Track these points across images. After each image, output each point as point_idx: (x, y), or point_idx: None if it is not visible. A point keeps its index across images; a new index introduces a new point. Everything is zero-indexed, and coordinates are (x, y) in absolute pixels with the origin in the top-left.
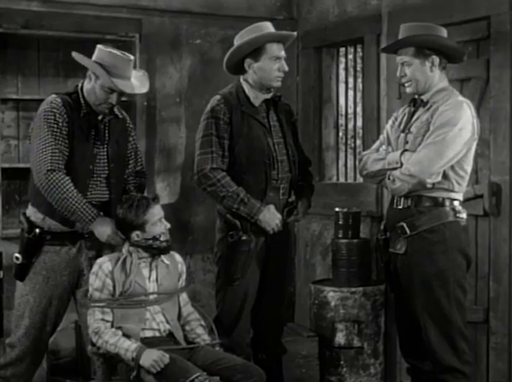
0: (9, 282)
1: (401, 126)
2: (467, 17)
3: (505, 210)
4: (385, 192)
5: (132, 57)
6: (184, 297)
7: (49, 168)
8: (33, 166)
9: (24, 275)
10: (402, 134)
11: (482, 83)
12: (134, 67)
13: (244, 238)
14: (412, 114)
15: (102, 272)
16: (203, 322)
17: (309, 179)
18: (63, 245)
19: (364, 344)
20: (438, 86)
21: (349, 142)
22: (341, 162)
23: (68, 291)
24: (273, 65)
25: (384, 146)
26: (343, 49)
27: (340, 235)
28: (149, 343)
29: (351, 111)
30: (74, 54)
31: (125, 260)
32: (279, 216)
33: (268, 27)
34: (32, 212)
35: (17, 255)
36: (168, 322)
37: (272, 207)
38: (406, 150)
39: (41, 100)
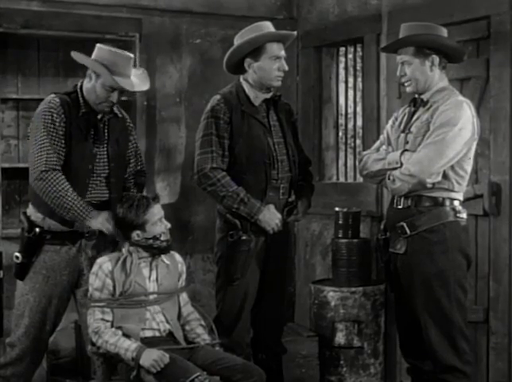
0: (9, 281)
1: (401, 126)
2: (467, 16)
3: (505, 210)
4: (385, 192)
5: (132, 55)
6: (184, 297)
7: (43, 168)
8: (30, 167)
9: (24, 274)
10: (402, 134)
11: (482, 83)
12: (134, 65)
13: (244, 238)
14: (412, 114)
15: (102, 272)
16: (203, 322)
17: (309, 179)
18: (63, 244)
19: (364, 344)
20: (438, 85)
21: (349, 141)
22: (341, 162)
23: (68, 291)
24: (273, 65)
25: (384, 146)
26: (343, 49)
27: (340, 235)
28: (149, 343)
29: (350, 110)
30: (73, 54)
31: (125, 260)
32: (279, 215)
33: (268, 27)
34: (32, 211)
35: (17, 254)
36: (168, 322)
37: (272, 207)
38: (406, 150)
39: (41, 100)
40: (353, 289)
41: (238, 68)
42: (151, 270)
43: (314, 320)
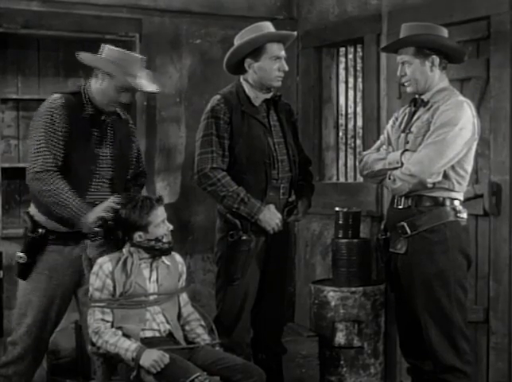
0: (9, 282)
1: (402, 126)
2: (467, 17)
3: (505, 210)
4: (385, 191)
5: (142, 57)
6: (184, 297)
7: (38, 169)
8: (27, 169)
9: (27, 274)
10: (403, 134)
11: (482, 83)
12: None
13: (244, 238)
14: (412, 114)
15: (102, 272)
16: (203, 322)
17: (309, 179)
18: (66, 245)
19: (364, 344)
20: (438, 86)
21: (349, 141)
22: (341, 162)
23: (70, 290)
24: (273, 65)
25: (384, 146)
26: (343, 49)
27: (340, 235)
28: (149, 343)
29: (351, 110)
30: (81, 55)
31: (125, 261)
32: (279, 215)
33: (268, 27)
34: (35, 211)
35: (21, 254)
36: (168, 322)
37: (272, 206)
38: (407, 150)
39: (41, 100)
40: (353, 289)
41: (238, 68)
42: (151, 270)
43: (314, 320)
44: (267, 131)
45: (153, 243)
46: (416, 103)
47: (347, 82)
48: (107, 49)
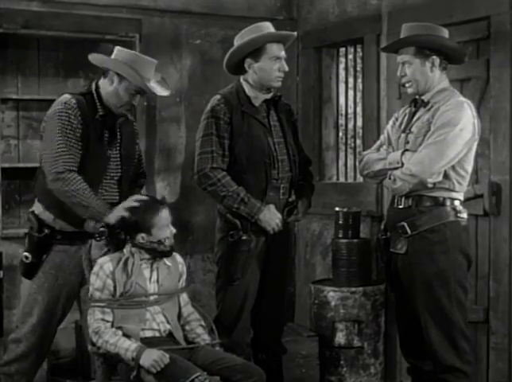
0: (9, 281)
1: (402, 127)
2: (467, 17)
3: (505, 210)
4: (385, 191)
5: (155, 61)
6: (184, 297)
7: (60, 170)
8: (46, 169)
9: (33, 274)
10: (403, 134)
11: (482, 83)
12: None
13: (244, 238)
14: (413, 115)
15: (103, 272)
16: (203, 322)
17: (309, 179)
18: (72, 244)
19: (364, 344)
20: (439, 86)
21: (349, 141)
22: (341, 162)
23: (76, 290)
24: (273, 65)
25: (384, 146)
26: (343, 49)
27: (340, 235)
28: (149, 343)
29: (351, 110)
30: (92, 56)
31: (126, 261)
32: (279, 215)
33: (268, 27)
34: (41, 210)
35: (27, 254)
36: (168, 322)
37: (272, 206)
38: (407, 150)
39: (41, 100)
40: (353, 289)
41: (238, 68)
42: (152, 271)
43: (314, 320)
44: (267, 131)
45: (155, 245)
46: (417, 103)
47: (347, 82)
48: (119, 51)
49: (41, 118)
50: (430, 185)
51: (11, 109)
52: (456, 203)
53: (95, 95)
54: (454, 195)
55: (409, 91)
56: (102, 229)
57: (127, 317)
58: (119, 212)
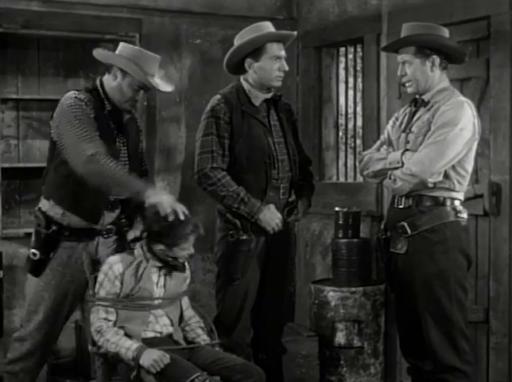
0: (9, 281)
1: (402, 126)
2: (467, 16)
3: (505, 210)
4: (385, 191)
5: (159, 56)
6: (185, 300)
7: (91, 152)
8: (74, 155)
9: (40, 271)
10: (403, 134)
11: (482, 83)
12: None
13: (244, 237)
14: (413, 114)
15: (112, 273)
16: (202, 324)
17: (309, 178)
18: (80, 241)
19: (364, 344)
20: (439, 86)
21: (349, 141)
22: (341, 162)
23: (83, 287)
24: (273, 65)
25: (385, 146)
26: (343, 49)
27: (340, 235)
28: (149, 343)
29: (350, 110)
30: (96, 51)
31: (138, 265)
32: (279, 215)
33: (268, 27)
34: (49, 207)
35: (34, 250)
36: (172, 325)
37: (272, 206)
38: (407, 150)
39: (41, 100)
40: (353, 289)
41: (238, 68)
42: (160, 276)
43: (314, 320)
44: (267, 131)
45: (170, 259)
46: (417, 103)
47: (347, 82)
48: (123, 47)
49: (41, 118)
50: (430, 185)
51: (11, 109)
52: (456, 203)
53: (100, 91)
54: (454, 195)
55: (409, 90)
56: (109, 226)
57: (130, 318)
58: (167, 201)
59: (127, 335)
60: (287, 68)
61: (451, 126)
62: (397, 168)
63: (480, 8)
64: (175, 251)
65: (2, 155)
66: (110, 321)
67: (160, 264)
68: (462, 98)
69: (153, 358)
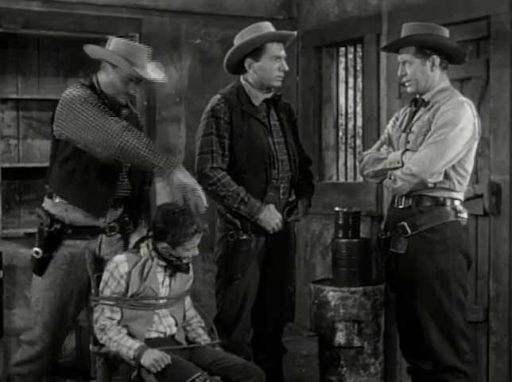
0: (9, 281)
1: (403, 126)
2: (467, 16)
3: (505, 210)
4: (385, 191)
5: (148, 47)
6: (188, 300)
7: (119, 128)
8: (102, 135)
9: (43, 270)
10: (403, 134)
11: (482, 83)
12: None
13: (244, 237)
14: (413, 114)
15: (117, 272)
16: (203, 324)
17: (309, 178)
18: (83, 239)
19: (364, 344)
20: (439, 86)
21: (349, 141)
22: (341, 162)
23: (88, 286)
24: (273, 65)
25: (385, 146)
26: (343, 49)
27: (340, 235)
28: (151, 343)
29: (350, 110)
30: (87, 48)
31: (144, 264)
32: (279, 215)
33: (268, 27)
34: (52, 205)
35: (37, 249)
36: (176, 325)
37: (272, 206)
38: (407, 150)
39: (41, 100)
40: (353, 289)
41: (238, 68)
42: (165, 275)
43: (314, 320)
44: (267, 131)
45: (173, 259)
46: (417, 103)
47: (346, 82)
48: (114, 41)
49: (41, 118)
50: (430, 185)
51: (11, 109)
52: (457, 203)
53: (97, 88)
54: (454, 195)
55: (409, 89)
56: (112, 224)
57: (135, 318)
58: (188, 179)
59: (130, 334)
60: (287, 68)
61: (451, 126)
62: (397, 168)
63: (480, 8)
64: (178, 251)
65: (2, 155)
66: (114, 319)
67: (164, 263)
68: (462, 98)
69: (153, 358)
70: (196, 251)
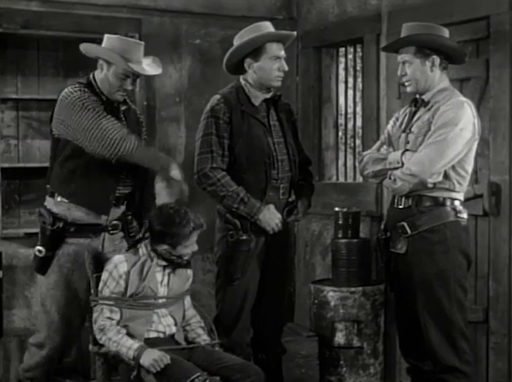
0: (9, 281)
1: (402, 126)
2: (467, 17)
3: (504, 210)
4: (384, 191)
5: (142, 42)
6: (188, 300)
7: (124, 132)
8: (95, 146)
9: (46, 268)
10: (403, 134)
11: (481, 83)
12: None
13: (244, 238)
14: (413, 114)
15: (116, 272)
16: (203, 324)
17: (309, 179)
18: (86, 237)
19: (364, 344)
20: (439, 86)
21: (349, 141)
22: (341, 162)
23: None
24: (272, 65)
25: (385, 146)
26: (342, 49)
27: (340, 235)
28: (150, 343)
29: (350, 110)
30: (82, 46)
31: (143, 264)
32: (279, 215)
33: (268, 27)
34: (54, 203)
35: (40, 248)
36: (175, 324)
37: (272, 206)
38: (407, 150)
39: (41, 100)
40: (353, 289)
41: (237, 68)
42: (164, 275)
43: (314, 320)
44: (267, 131)
45: (174, 258)
46: (417, 103)
47: (346, 82)
48: (107, 38)
49: (41, 118)
50: (430, 185)
51: (11, 109)
52: (456, 203)
53: (94, 85)
54: (454, 195)
55: (409, 89)
56: (115, 222)
57: (134, 318)
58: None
59: (130, 334)
60: (286, 68)
61: (451, 126)
62: (397, 168)
63: (480, 8)
64: (179, 250)
65: (2, 155)
66: (113, 320)
67: (164, 263)
68: (462, 98)
69: (153, 358)
70: (195, 247)
